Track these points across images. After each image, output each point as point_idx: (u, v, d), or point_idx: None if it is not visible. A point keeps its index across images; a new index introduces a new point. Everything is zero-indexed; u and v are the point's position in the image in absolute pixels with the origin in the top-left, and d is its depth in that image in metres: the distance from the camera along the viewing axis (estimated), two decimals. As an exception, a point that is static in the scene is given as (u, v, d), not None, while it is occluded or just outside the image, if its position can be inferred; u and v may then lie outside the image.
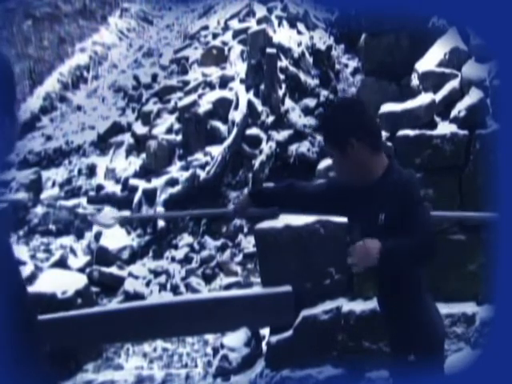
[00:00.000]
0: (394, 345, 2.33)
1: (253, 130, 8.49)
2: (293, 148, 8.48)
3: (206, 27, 11.02)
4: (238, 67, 9.33)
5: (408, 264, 2.17)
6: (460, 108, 4.02)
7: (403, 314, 2.24)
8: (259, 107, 8.59)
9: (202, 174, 8.10)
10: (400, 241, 2.11)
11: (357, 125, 2.17)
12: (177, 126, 8.92)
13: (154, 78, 10.69)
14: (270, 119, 8.58)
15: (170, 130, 8.93)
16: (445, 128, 4.04)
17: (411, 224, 2.12)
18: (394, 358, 2.30)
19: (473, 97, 3.99)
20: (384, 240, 2.05)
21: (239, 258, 7.38)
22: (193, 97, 8.95)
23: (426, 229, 2.13)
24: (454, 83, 4.18)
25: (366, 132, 2.19)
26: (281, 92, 8.76)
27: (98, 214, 3.81)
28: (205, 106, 8.72)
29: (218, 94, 8.97)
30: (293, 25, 10.02)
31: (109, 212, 3.85)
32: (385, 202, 2.16)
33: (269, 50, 8.62)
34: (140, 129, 9.34)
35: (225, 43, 9.97)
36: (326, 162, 4.94)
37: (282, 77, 8.89)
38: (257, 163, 8.17)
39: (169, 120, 9.11)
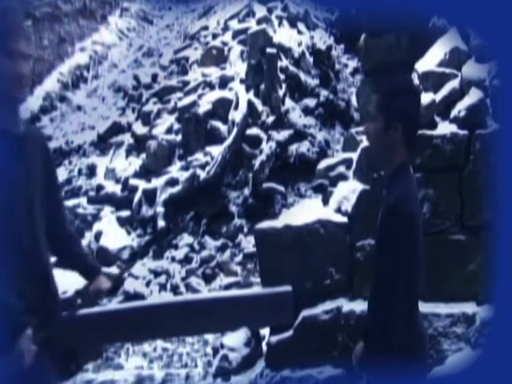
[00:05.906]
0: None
1: (253, 130, 8.47)
2: (293, 148, 8.47)
3: (205, 27, 11.08)
4: (237, 67, 9.32)
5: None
6: (460, 108, 4.02)
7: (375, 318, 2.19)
8: (259, 107, 8.56)
9: (202, 174, 8.09)
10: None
11: (411, 114, 2.12)
12: (177, 126, 8.93)
13: (154, 78, 10.75)
14: (271, 119, 8.54)
15: (169, 130, 8.94)
16: (445, 128, 4.04)
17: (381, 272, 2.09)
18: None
19: (473, 97, 3.98)
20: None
21: (239, 257, 7.36)
22: (192, 97, 8.95)
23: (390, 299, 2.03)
24: (454, 83, 4.18)
25: (413, 125, 2.15)
26: (281, 92, 8.73)
27: None
28: (205, 106, 8.71)
29: (217, 94, 8.95)
30: (293, 24, 10.02)
31: None
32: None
33: (269, 50, 8.59)
34: (140, 129, 9.36)
35: (224, 43, 9.99)
36: (326, 162, 4.94)
37: (282, 77, 8.87)
38: (257, 163, 8.16)
39: (168, 120, 9.12)
